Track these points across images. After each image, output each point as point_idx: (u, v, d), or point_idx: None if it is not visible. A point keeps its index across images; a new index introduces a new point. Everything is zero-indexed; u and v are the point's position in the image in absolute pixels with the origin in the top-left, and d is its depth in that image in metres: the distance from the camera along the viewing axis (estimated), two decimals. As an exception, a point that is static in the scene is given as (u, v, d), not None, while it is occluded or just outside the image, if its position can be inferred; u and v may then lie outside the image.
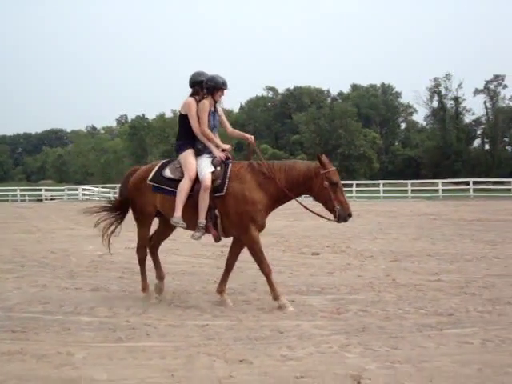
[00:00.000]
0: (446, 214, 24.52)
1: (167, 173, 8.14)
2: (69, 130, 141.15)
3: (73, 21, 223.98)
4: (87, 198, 54.80)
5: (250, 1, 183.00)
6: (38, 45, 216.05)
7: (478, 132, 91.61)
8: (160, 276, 8.73)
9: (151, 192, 8.22)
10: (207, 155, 8.08)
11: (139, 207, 8.43)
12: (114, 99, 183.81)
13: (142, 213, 8.44)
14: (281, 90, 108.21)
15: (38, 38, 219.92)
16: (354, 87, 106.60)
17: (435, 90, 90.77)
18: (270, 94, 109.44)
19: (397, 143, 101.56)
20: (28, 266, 11.59)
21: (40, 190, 62.41)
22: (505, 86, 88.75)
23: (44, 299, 8.43)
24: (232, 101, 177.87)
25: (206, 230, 7.98)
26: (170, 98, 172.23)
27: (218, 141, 8.17)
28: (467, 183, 45.45)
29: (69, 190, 60.66)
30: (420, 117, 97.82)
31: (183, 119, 8.24)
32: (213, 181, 7.82)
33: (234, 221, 7.88)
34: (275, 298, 7.79)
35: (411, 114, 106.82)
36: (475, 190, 45.35)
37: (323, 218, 7.99)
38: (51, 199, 58.25)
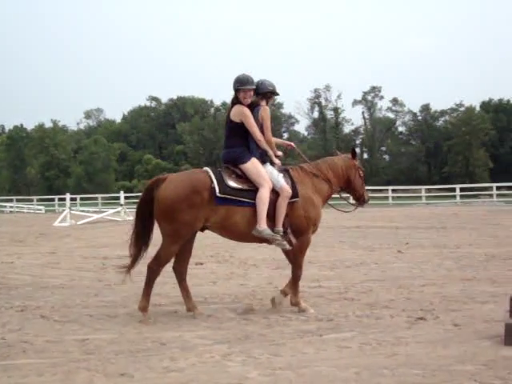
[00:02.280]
0: (326, 222, 24.97)
1: (232, 183, 7.67)
2: None
3: None
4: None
5: (128, 9, 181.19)
6: None
7: (357, 141, 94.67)
8: (193, 306, 7.91)
9: (211, 205, 7.54)
10: (269, 163, 8.05)
11: (185, 221, 7.50)
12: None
13: (188, 227, 7.59)
14: (164, 99, 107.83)
15: None
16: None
17: (316, 101, 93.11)
18: (153, 103, 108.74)
19: (280, 153, 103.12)
20: None
21: None
22: (381, 97, 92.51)
23: None
24: (114, 111, 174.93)
25: (286, 238, 7.84)
26: (49, 107, 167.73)
27: (275, 148, 8.23)
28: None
29: None
30: (301, 127, 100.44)
31: (237, 127, 7.91)
32: None
33: (298, 224, 7.99)
34: (294, 304, 8.06)
35: (293, 124, 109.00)
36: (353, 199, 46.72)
37: (354, 205, 9.19)
38: None
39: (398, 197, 51.31)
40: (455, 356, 5.73)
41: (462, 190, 47.99)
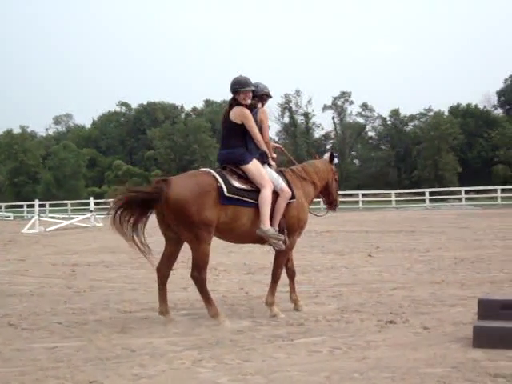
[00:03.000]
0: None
1: (237, 183, 7.67)
2: None
3: None
4: None
5: (97, 14, 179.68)
6: None
7: (328, 147, 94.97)
8: (165, 310, 7.88)
9: (219, 205, 7.47)
10: (267, 164, 8.18)
11: (206, 222, 7.38)
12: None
13: (209, 228, 7.47)
14: (134, 105, 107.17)
15: None
16: (208, 103, 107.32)
17: (286, 106, 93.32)
18: (123, 109, 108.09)
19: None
20: None
21: None
22: (351, 103, 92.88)
23: None
24: (83, 116, 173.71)
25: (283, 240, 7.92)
26: (17, 113, 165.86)
27: (272, 150, 8.37)
28: (317, 196, 46.86)
29: None
30: (272, 132, 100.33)
31: (236, 128, 7.91)
32: None
33: (290, 225, 8.09)
34: (269, 304, 8.09)
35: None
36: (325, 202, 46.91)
37: (327, 209, 9.68)
38: None
39: (369, 201, 51.65)
40: (424, 359, 5.76)
41: (431, 193, 48.50)
